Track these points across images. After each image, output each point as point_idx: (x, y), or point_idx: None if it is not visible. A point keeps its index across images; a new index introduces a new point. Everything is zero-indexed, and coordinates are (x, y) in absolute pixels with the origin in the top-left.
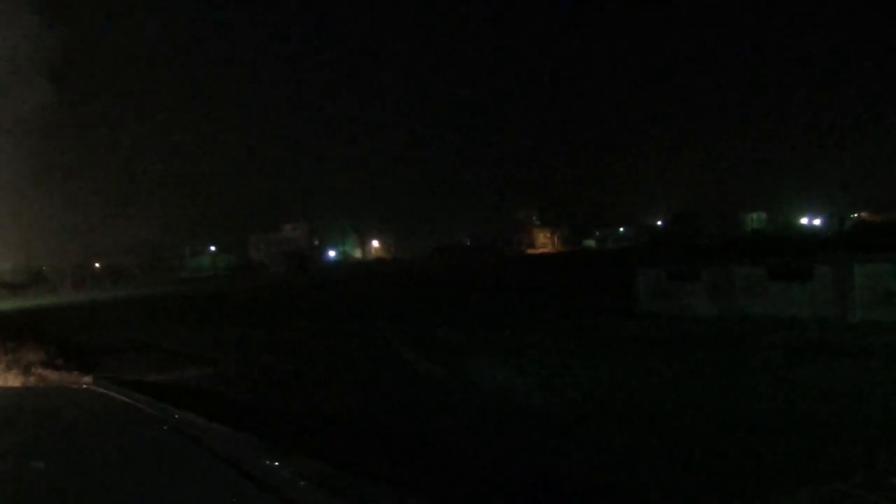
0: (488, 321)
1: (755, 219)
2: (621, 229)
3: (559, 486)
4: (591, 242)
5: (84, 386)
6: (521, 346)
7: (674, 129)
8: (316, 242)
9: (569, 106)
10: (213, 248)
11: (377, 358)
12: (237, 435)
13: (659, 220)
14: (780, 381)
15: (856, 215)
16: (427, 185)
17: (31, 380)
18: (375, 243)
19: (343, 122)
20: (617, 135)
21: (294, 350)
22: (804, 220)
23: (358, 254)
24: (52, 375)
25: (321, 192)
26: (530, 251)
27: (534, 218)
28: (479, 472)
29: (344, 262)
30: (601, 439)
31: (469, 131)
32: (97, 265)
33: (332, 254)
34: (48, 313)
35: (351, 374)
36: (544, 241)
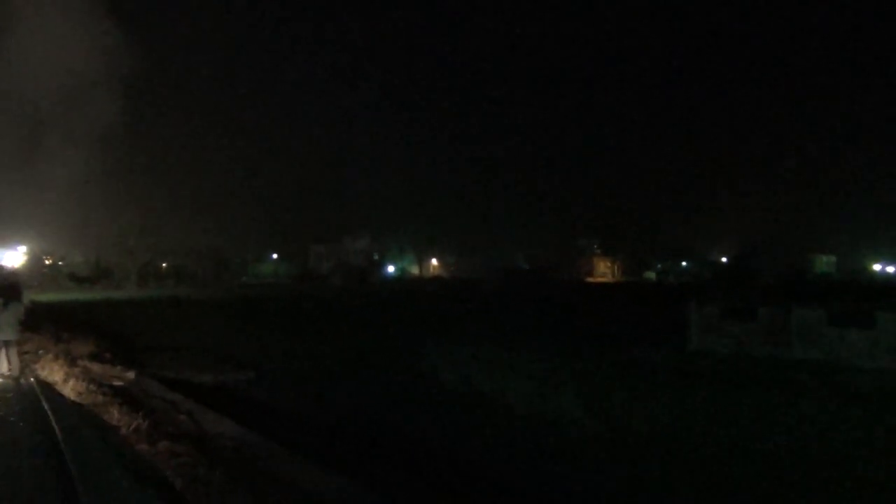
0: (539, 346)
1: (824, 262)
2: (683, 263)
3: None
4: (651, 274)
5: (117, 381)
6: (571, 374)
7: (748, 164)
8: (375, 257)
9: (642, 136)
10: (275, 256)
11: (427, 378)
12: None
13: (723, 256)
14: (814, 427)
15: None
16: (490, 207)
17: (76, 371)
18: (434, 261)
19: (410, 141)
20: (687, 168)
21: (338, 362)
22: (877, 267)
23: (416, 270)
24: (97, 368)
25: (384, 208)
26: (589, 279)
27: (595, 246)
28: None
29: (401, 278)
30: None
31: (534, 154)
32: (163, 265)
33: (390, 269)
34: (109, 307)
35: (390, 391)
36: (604, 270)
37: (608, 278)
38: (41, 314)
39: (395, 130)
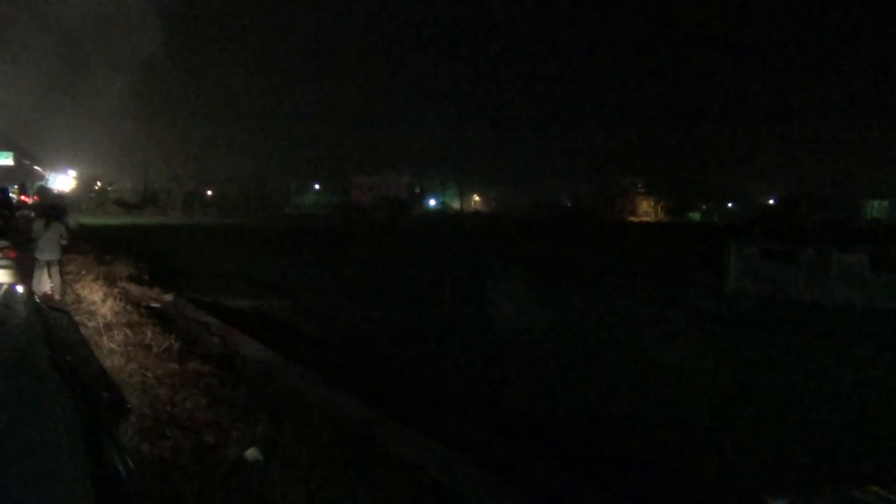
0: (576, 283)
1: (876, 207)
2: (729, 205)
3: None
4: (695, 215)
5: (154, 303)
6: (597, 312)
7: (802, 105)
8: (417, 190)
9: (693, 74)
10: (317, 187)
11: (474, 315)
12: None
13: (772, 199)
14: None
15: None
16: (534, 143)
17: (114, 291)
18: (476, 196)
19: (456, 76)
20: (739, 108)
21: (381, 294)
22: None
23: (457, 205)
24: (136, 290)
25: (427, 142)
26: (631, 218)
27: (639, 186)
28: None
29: (443, 212)
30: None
31: (583, 92)
32: (209, 193)
33: (432, 202)
34: (153, 232)
35: (436, 327)
36: (647, 210)
37: (651, 218)
38: (87, 237)
39: (439, 63)
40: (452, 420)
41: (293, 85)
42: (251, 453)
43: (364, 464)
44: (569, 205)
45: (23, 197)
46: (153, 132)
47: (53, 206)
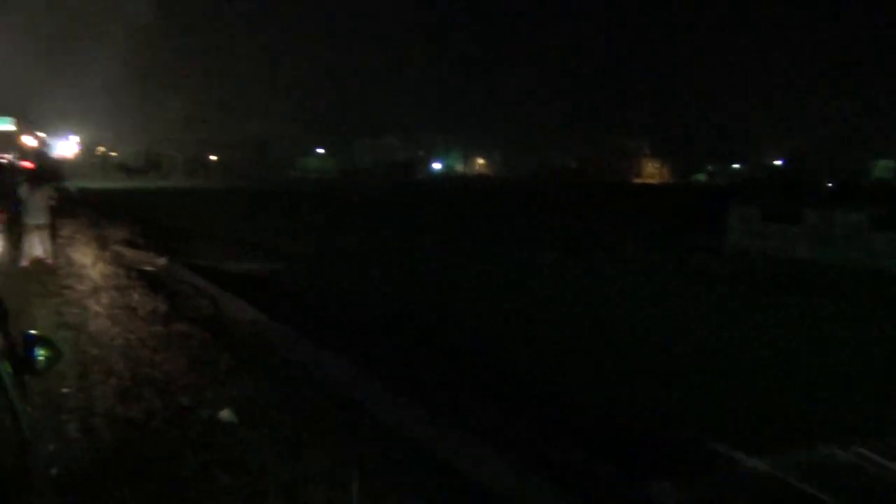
0: (573, 248)
1: (881, 167)
2: (735, 165)
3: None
4: (701, 176)
5: (147, 266)
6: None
7: (808, 65)
8: (421, 153)
9: (701, 35)
10: (320, 151)
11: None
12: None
13: (779, 159)
14: (846, 336)
15: None
16: (541, 107)
17: (106, 255)
18: (480, 160)
19: (464, 39)
20: (748, 67)
21: (378, 259)
22: None
23: (461, 168)
24: (129, 253)
25: (431, 106)
26: (637, 180)
27: (644, 148)
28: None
29: (446, 176)
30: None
31: (589, 53)
32: (213, 157)
33: (436, 166)
34: (154, 196)
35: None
36: (652, 172)
37: (656, 179)
38: (86, 202)
39: (450, 26)
40: (453, 388)
41: (295, 48)
42: (225, 415)
43: (345, 427)
44: (574, 167)
45: (23, 163)
46: (156, 98)
47: (42, 170)
